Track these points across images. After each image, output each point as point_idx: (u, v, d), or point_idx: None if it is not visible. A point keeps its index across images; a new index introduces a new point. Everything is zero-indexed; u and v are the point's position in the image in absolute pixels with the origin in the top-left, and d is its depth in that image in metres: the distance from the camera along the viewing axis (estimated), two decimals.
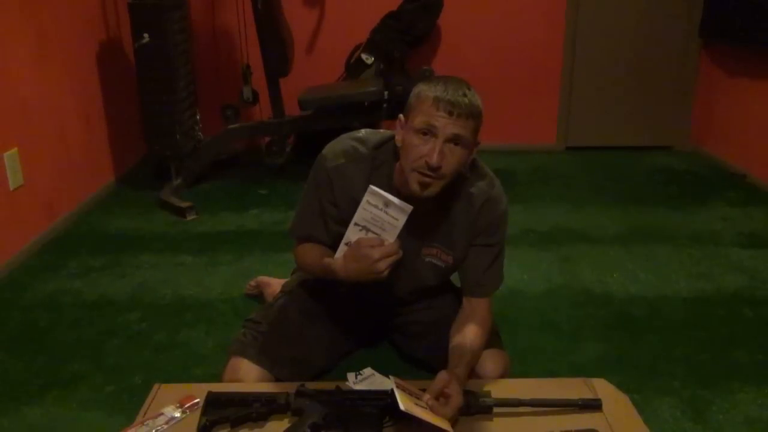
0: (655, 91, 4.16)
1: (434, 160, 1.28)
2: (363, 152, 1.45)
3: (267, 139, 3.76)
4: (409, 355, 1.76)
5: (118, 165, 3.58)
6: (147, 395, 1.31)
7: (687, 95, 4.17)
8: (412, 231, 1.45)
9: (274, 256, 2.61)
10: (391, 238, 1.28)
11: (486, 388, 1.28)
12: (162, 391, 1.33)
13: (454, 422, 1.20)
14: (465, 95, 1.30)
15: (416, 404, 1.17)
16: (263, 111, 3.72)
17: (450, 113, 1.28)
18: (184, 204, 3.11)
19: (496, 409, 1.25)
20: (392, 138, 1.45)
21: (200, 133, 3.61)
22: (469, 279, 1.53)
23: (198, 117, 3.62)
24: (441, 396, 1.22)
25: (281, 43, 3.46)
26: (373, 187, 1.26)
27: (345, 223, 1.42)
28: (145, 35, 3.13)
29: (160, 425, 1.21)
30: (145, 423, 1.22)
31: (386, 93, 3.41)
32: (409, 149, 1.32)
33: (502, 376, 1.49)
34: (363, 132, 1.51)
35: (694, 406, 1.73)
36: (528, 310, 2.24)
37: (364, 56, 3.82)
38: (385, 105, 3.43)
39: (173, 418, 1.23)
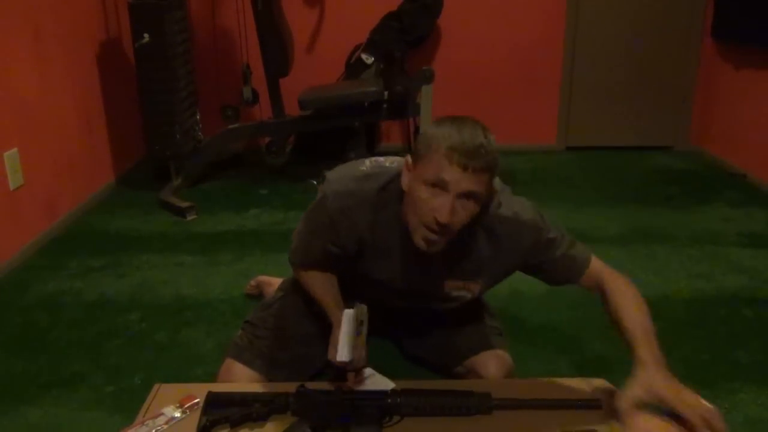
0: (655, 91, 4.16)
1: (444, 218, 1.16)
2: (366, 193, 1.35)
3: (267, 139, 3.76)
4: (411, 352, 1.75)
5: (118, 165, 3.58)
6: (147, 395, 1.31)
7: (687, 95, 4.16)
8: (432, 269, 1.39)
9: (274, 256, 2.61)
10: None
11: (486, 388, 1.28)
12: (162, 391, 1.33)
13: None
14: (482, 146, 1.16)
15: None
16: (263, 111, 3.72)
17: (465, 167, 1.15)
18: (184, 204, 3.11)
19: (496, 409, 1.25)
20: (399, 175, 1.33)
21: (200, 133, 3.61)
22: (561, 282, 1.43)
23: (198, 117, 3.62)
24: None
25: (281, 43, 3.46)
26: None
27: (350, 259, 1.40)
28: (145, 35, 3.13)
29: (160, 425, 1.21)
30: (145, 423, 1.22)
31: (386, 93, 3.41)
32: (417, 203, 1.20)
33: (505, 377, 1.49)
34: (368, 165, 1.41)
35: None
36: (528, 310, 2.24)
37: (364, 56, 3.82)
38: (385, 105, 3.44)
39: (173, 418, 1.23)
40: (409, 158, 1.26)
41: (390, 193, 1.34)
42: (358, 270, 1.44)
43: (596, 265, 1.41)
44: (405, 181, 1.27)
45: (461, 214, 1.20)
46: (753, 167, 3.58)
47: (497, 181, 1.37)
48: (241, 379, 1.47)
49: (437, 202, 1.18)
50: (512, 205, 1.37)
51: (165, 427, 1.21)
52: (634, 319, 1.23)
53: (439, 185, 1.17)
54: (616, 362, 1.94)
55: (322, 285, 1.48)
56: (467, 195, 1.18)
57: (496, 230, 1.35)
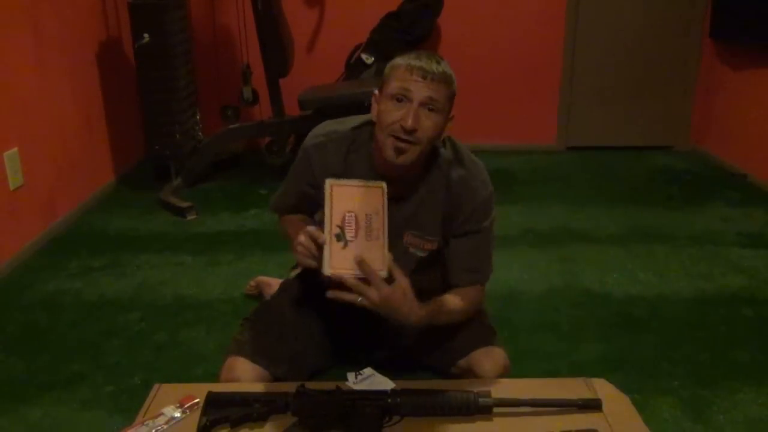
0: (655, 91, 4.16)
1: (410, 123, 1.29)
2: (342, 131, 1.48)
3: (267, 139, 3.76)
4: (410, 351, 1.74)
5: (118, 165, 3.58)
6: (147, 395, 1.31)
7: (687, 95, 4.16)
8: (394, 216, 1.42)
9: (274, 256, 2.61)
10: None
11: (486, 388, 1.28)
12: (162, 391, 1.33)
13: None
14: (438, 63, 1.33)
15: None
16: (263, 111, 3.72)
17: (424, 77, 1.31)
18: (184, 204, 3.11)
19: (496, 409, 1.25)
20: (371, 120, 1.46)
21: (200, 133, 3.61)
22: (454, 267, 1.51)
23: (198, 117, 3.62)
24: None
25: (281, 43, 3.46)
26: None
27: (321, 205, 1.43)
28: (145, 35, 3.13)
29: (160, 425, 1.21)
30: (145, 423, 1.22)
31: None
32: (384, 116, 1.34)
33: (501, 375, 1.49)
34: (346, 117, 1.53)
35: (694, 406, 1.73)
36: (528, 310, 2.24)
37: (364, 56, 3.82)
38: None
39: (173, 418, 1.23)
40: (376, 91, 1.40)
41: (364, 133, 1.47)
42: None
43: (481, 291, 1.55)
44: (374, 111, 1.39)
45: (426, 123, 1.32)
46: (753, 167, 3.58)
47: (473, 157, 1.50)
48: (244, 374, 1.47)
49: (402, 111, 1.31)
50: (487, 185, 1.49)
51: (165, 427, 1.21)
52: (450, 300, 1.44)
53: (403, 96, 1.31)
54: (616, 362, 1.94)
55: (298, 221, 1.55)
56: (429, 102, 1.32)
57: (457, 188, 1.46)
